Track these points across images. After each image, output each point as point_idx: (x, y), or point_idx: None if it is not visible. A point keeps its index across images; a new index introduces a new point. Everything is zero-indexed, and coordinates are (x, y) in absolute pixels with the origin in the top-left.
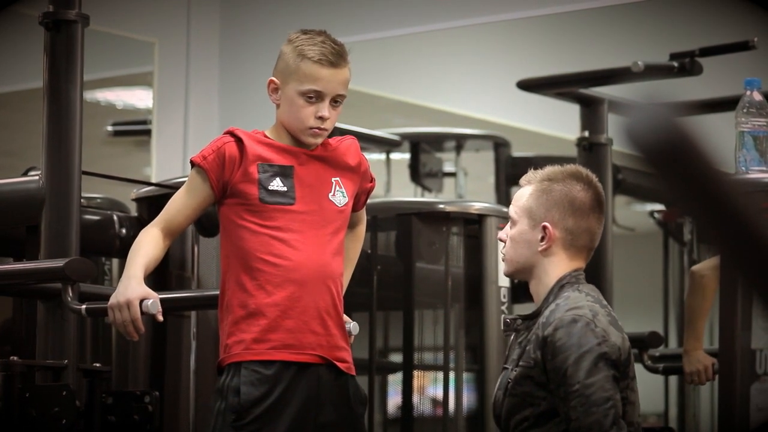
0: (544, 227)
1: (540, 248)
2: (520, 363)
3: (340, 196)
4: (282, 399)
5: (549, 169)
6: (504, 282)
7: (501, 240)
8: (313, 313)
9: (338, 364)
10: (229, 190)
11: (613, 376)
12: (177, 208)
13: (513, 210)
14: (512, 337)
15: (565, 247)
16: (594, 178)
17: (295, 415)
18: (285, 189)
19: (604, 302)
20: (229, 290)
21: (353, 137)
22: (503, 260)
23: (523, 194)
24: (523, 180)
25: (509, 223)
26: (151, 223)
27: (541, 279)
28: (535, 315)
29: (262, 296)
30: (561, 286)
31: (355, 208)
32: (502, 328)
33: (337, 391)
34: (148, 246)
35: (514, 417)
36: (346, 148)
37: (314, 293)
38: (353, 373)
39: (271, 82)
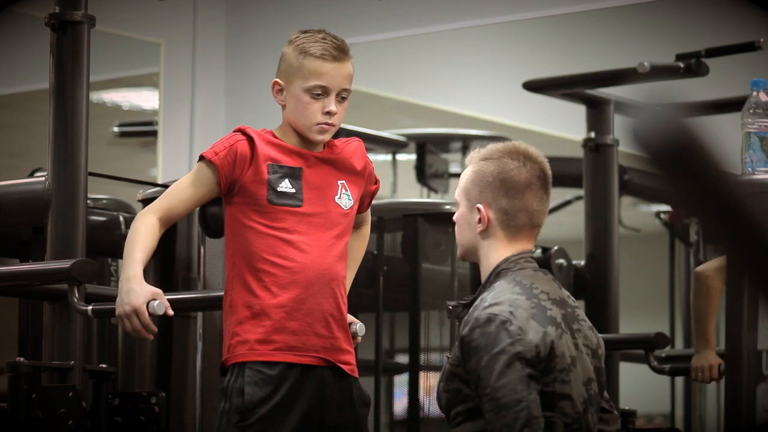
0: (478, 209)
1: (478, 230)
2: (450, 360)
3: (345, 198)
4: (286, 400)
5: (488, 148)
6: None
7: (455, 222)
8: (318, 315)
9: (342, 366)
10: (236, 188)
11: (528, 375)
12: (179, 198)
13: (456, 192)
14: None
15: (502, 228)
16: (534, 153)
17: (299, 417)
18: (293, 191)
19: (539, 289)
20: (234, 290)
21: (359, 139)
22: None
23: (464, 175)
24: (467, 160)
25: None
26: (149, 208)
27: (483, 263)
28: (473, 302)
29: (267, 297)
30: (497, 273)
31: (360, 210)
32: (447, 315)
33: (341, 393)
34: (146, 238)
35: (451, 411)
36: (352, 151)
37: (319, 295)
38: (356, 375)
39: (275, 83)
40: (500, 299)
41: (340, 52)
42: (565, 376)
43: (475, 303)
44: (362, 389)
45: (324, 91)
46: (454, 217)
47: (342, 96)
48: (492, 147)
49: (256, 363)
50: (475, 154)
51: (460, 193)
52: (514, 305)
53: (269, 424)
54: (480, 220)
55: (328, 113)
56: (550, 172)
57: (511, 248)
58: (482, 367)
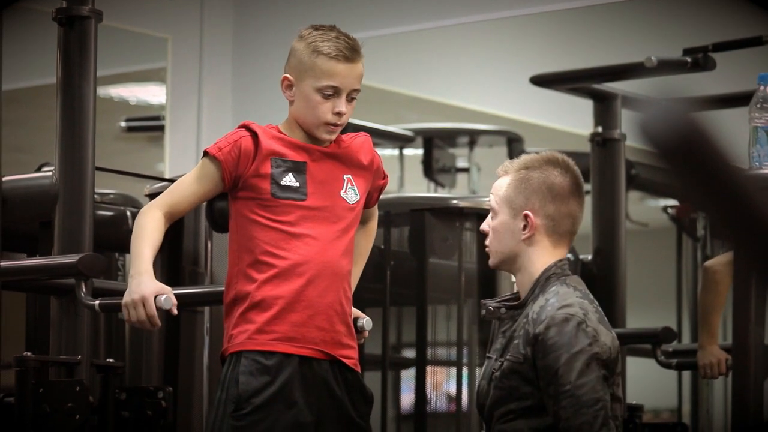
0: (526, 215)
1: (523, 237)
2: (508, 357)
3: (351, 193)
4: (282, 391)
5: (525, 158)
6: None
7: (483, 232)
8: (319, 308)
9: (343, 360)
10: (240, 183)
11: (604, 376)
12: (183, 193)
13: (493, 201)
14: (494, 325)
15: (548, 234)
16: (571, 162)
17: (297, 409)
18: (297, 185)
19: (591, 296)
20: (238, 283)
21: (366, 134)
22: (487, 252)
23: (502, 184)
24: (500, 170)
25: (490, 215)
26: (153, 203)
27: (527, 269)
28: (521, 305)
29: (269, 288)
30: (547, 277)
31: (368, 205)
32: (484, 313)
33: (342, 388)
34: (152, 234)
35: (499, 409)
36: (359, 146)
37: (321, 288)
38: (358, 369)
39: (285, 78)
40: (569, 302)
41: (353, 52)
42: (618, 380)
43: (539, 303)
44: (364, 385)
45: (335, 92)
46: (489, 227)
47: (351, 96)
48: (529, 157)
49: (252, 352)
50: (509, 165)
51: (501, 201)
52: (584, 309)
53: (265, 414)
54: (525, 227)
55: (338, 114)
56: (583, 181)
57: (555, 254)
58: (561, 365)
